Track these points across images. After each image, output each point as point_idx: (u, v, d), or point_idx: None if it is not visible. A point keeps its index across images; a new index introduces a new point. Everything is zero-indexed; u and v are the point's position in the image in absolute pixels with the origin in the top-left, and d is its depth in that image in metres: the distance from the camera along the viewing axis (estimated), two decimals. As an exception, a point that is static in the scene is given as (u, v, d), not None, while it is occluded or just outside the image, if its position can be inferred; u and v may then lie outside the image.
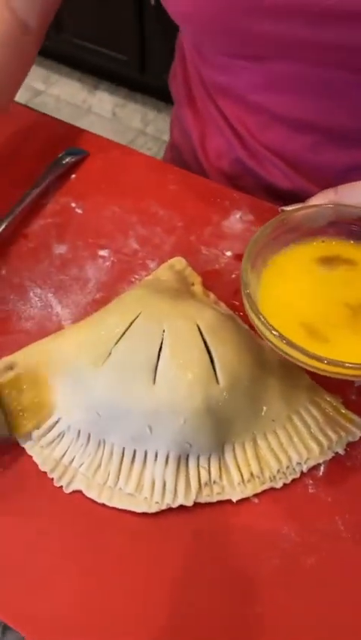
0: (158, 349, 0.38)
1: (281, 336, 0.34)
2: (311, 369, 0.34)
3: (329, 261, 0.40)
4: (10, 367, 0.42)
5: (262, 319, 0.34)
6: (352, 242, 0.40)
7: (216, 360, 0.39)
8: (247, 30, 0.46)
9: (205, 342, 0.39)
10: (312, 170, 0.57)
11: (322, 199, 0.40)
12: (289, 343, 0.33)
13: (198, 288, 0.47)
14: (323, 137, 0.54)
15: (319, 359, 0.33)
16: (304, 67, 0.48)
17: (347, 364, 0.33)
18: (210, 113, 0.60)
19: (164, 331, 0.39)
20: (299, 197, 0.58)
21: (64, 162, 0.56)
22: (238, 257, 0.50)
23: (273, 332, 0.34)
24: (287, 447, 0.39)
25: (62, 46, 1.81)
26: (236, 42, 0.48)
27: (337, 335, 0.36)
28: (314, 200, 0.41)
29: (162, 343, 0.39)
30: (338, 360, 0.33)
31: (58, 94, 1.93)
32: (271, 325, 0.34)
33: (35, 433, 0.39)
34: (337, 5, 0.42)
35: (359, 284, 0.39)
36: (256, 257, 0.38)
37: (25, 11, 0.52)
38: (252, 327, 0.45)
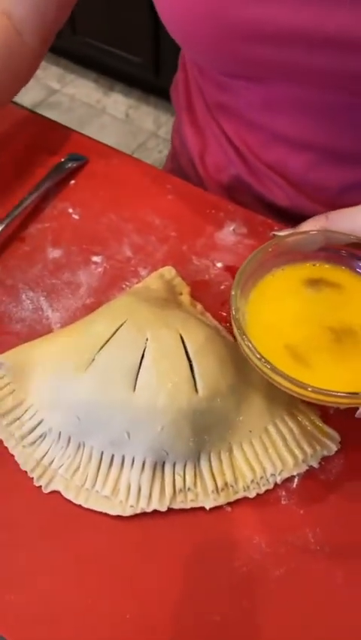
0: (140, 357, 0.39)
1: (267, 362, 0.34)
2: (296, 395, 0.35)
3: (314, 283, 0.41)
4: (-1, 367, 0.43)
5: (249, 344, 0.35)
6: (343, 267, 0.41)
7: (196, 370, 0.39)
8: (247, 54, 0.46)
9: (187, 352, 0.40)
10: (312, 188, 0.58)
11: (313, 225, 0.41)
12: (274, 370, 0.34)
13: (185, 297, 0.48)
14: (323, 156, 0.55)
15: (303, 386, 0.34)
16: (303, 89, 0.49)
17: (331, 393, 0.33)
18: (210, 129, 0.61)
19: (147, 339, 0.40)
20: (298, 214, 0.59)
21: (64, 168, 0.57)
22: (229, 268, 0.51)
23: (258, 357, 0.35)
24: (262, 458, 0.40)
25: (77, 47, 1.83)
26: (235, 64, 0.49)
27: (318, 360, 0.37)
28: (305, 226, 0.41)
29: (144, 351, 0.40)
30: (322, 388, 0.33)
31: (73, 93, 1.95)
32: (257, 350, 0.35)
33: (18, 433, 0.40)
34: (338, 33, 0.42)
35: (344, 308, 0.40)
36: (246, 281, 0.39)
37: (23, 24, 0.52)
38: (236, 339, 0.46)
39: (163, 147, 1.82)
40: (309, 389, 0.34)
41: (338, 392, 0.33)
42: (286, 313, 0.39)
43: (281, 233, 0.40)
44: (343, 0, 0.41)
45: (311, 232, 0.40)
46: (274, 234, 0.41)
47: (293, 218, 0.58)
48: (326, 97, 0.49)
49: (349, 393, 0.33)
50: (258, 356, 0.35)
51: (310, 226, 0.40)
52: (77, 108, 1.92)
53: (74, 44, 1.80)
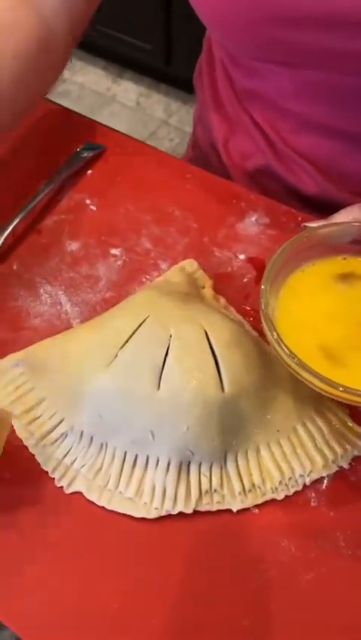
0: (164, 354, 0.38)
1: (297, 360, 0.33)
2: (327, 395, 0.34)
3: (345, 278, 0.39)
4: (17, 364, 0.42)
5: (279, 341, 0.34)
6: None
7: (222, 367, 0.38)
8: (282, 39, 0.45)
9: (212, 349, 0.39)
10: (340, 175, 0.56)
11: (346, 216, 0.40)
12: (305, 367, 0.33)
13: (208, 291, 0.46)
14: (353, 143, 0.53)
15: (334, 385, 0.32)
16: (336, 75, 0.47)
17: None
18: (237, 115, 0.59)
19: (171, 336, 0.38)
20: (324, 202, 0.58)
21: (81, 157, 0.55)
22: (251, 260, 0.50)
23: (289, 355, 0.33)
24: (291, 458, 0.39)
25: (86, 34, 1.80)
26: (269, 49, 0.47)
27: (354, 358, 0.35)
28: (338, 217, 0.40)
29: (168, 348, 0.38)
30: (354, 388, 0.32)
31: (82, 81, 1.93)
32: (289, 349, 0.33)
33: (38, 432, 0.39)
34: None
35: None
36: (276, 275, 0.37)
37: (53, 18, 0.49)
38: (262, 334, 0.45)
39: (175, 135, 1.79)
40: (340, 389, 0.32)
41: None
42: (318, 310, 0.38)
43: (313, 225, 0.39)
44: None
45: (344, 223, 0.38)
46: (305, 225, 0.39)
47: (319, 207, 0.56)
48: (359, 82, 0.47)
49: None
50: (288, 352, 0.33)
51: (343, 217, 0.39)
52: (87, 96, 1.89)
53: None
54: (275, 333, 0.34)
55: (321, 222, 0.39)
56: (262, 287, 0.36)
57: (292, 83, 0.50)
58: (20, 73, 0.46)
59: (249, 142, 0.60)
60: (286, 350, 0.34)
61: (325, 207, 0.54)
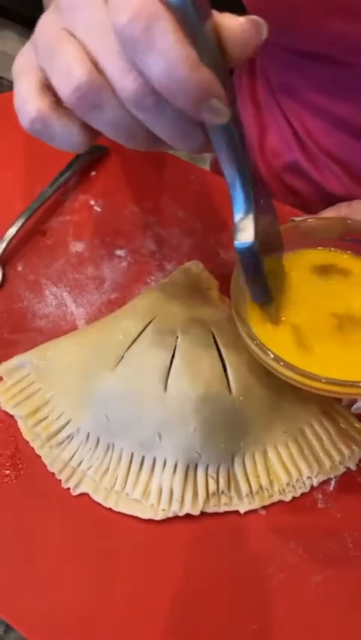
0: (170, 355, 0.38)
1: (275, 356, 0.33)
2: (302, 387, 0.33)
3: (324, 270, 0.39)
4: (23, 365, 0.42)
5: (244, 325, 0.34)
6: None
7: (229, 369, 0.38)
8: (328, 29, 0.44)
9: (219, 350, 0.38)
10: None
11: (334, 212, 0.40)
12: (281, 362, 0.33)
13: (214, 292, 0.46)
14: None
15: (315, 378, 0.32)
16: None
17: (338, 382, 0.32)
18: (271, 111, 0.59)
19: (177, 338, 0.38)
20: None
21: (85, 159, 0.55)
22: (257, 262, 0.49)
23: (255, 342, 0.33)
24: (298, 460, 0.38)
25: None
26: (313, 40, 0.46)
27: (322, 346, 0.35)
28: (326, 213, 0.40)
29: (174, 349, 0.38)
30: (332, 378, 0.32)
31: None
32: (261, 343, 0.33)
33: (44, 434, 0.39)
34: None
35: (349, 295, 0.38)
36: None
37: None
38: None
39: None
40: (323, 380, 0.32)
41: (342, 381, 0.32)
42: (293, 298, 0.37)
43: (299, 219, 0.39)
44: None
45: (330, 219, 0.38)
46: (292, 219, 0.39)
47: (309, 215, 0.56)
48: None
49: (351, 382, 0.32)
50: (256, 342, 0.33)
51: (331, 213, 0.39)
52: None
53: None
54: (246, 328, 0.34)
55: (308, 217, 0.39)
56: (234, 273, 0.35)
57: (330, 77, 0.49)
58: None
59: (280, 139, 0.59)
60: (250, 333, 0.33)
61: None
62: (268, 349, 0.33)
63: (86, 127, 0.27)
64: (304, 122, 0.56)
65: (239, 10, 0.55)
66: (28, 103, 0.26)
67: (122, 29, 0.22)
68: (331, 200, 0.58)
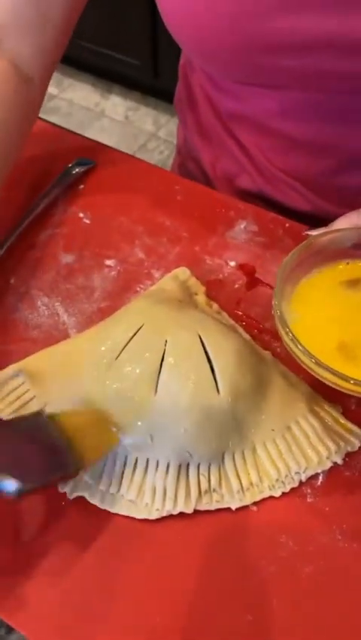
0: (160, 360, 0.39)
1: (318, 362, 0.35)
2: (343, 390, 0.36)
3: (353, 284, 0.41)
4: (17, 374, 0.43)
5: (299, 345, 0.36)
6: None
7: (217, 370, 0.39)
8: (270, 64, 0.46)
9: (206, 353, 0.40)
10: (332, 191, 0.58)
11: (345, 223, 0.41)
12: (320, 364, 0.35)
13: (201, 297, 0.47)
14: (342, 160, 0.55)
15: (347, 379, 0.35)
16: (321, 95, 0.48)
17: None
18: (222, 141, 0.60)
19: (166, 342, 0.40)
20: (319, 218, 0.59)
21: (73, 173, 0.57)
22: (242, 267, 0.51)
23: (303, 351, 0.36)
24: (286, 456, 0.40)
25: (75, 51, 1.82)
26: (256, 74, 0.48)
27: None
28: (338, 224, 0.42)
29: (164, 354, 0.39)
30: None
31: (71, 97, 1.95)
32: (303, 346, 0.36)
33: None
34: None
35: None
36: (285, 283, 0.39)
37: (30, 66, 0.50)
38: (254, 337, 0.46)
39: (164, 148, 1.82)
40: (351, 382, 0.35)
41: None
42: (328, 315, 0.40)
43: (314, 233, 0.41)
44: None
45: (344, 229, 0.40)
46: (307, 234, 0.41)
47: (314, 223, 0.57)
48: (344, 101, 0.48)
49: None
50: (303, 350, 0.36)
51: (342, 224, 0.40)
52: (76, 112, 1.92)
53: (71, 48, 1.80)
54: (290, 334, 0.36)
55: (322, 230, 0.41)
56: (274, 302, 0.38)
57: (279, 104, 0.51)
58: (2, 124, 0.47)
59: (235, 165, 0.61)
60: (301, 348, 0.36)
61: (319, 224, 0.55)
62: (312, 354, 0.36)
63: None
64: (259, 145, 0.57)
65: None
66: None
67: None
68: (297, 216, 0.60)
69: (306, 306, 0.40)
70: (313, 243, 0.41)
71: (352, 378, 0.35)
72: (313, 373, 0.37)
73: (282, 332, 0.37)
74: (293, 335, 0.36)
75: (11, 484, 0.32)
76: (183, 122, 0.66)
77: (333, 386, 0.36)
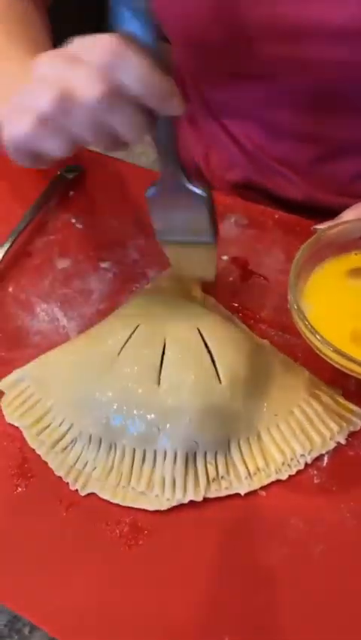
0: (161, 354, 0.40)
1: (336, 349, 0.37)
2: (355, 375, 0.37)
3: (358, 273, 0.43)
4: (22, 379, 0.44)
5: (317, 335, 0.37)
6: None
7: (217, 360, 0.40)
8: (257, 53, 0.47)
9: (206, 344, 0.41)
10: (323, 178, 0.58)
11: (353, 214, 0.43)
12: (341, 353, 0.36)
13: (197, 292, 0.48)
14: (331, 147, 0.56)
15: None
16: (307, 82, 0.49)
17: None
18: (212, 132, 0.61)
19: (166, 336, 0.41)
20: (311, 206, 0.60)
21: (62, 180, 0.58)
22: (235, 260, 0.52)
23: (319, 339, 0.37)
24: (290, 440, 0.41)
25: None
26: (244, 64, 0.49)
27: None
28: (345, 216, 0.43)
29: (164, 348, 0.40)
30: None
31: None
32: (322, 337, 0.37)
33: (49, 441, 0.41)
34: (352, 22, 0.43)
35: None
36: (298, 277, 0.41)
37: None
38: (251, 327, 0.47)
39: (151, 152, 1.83)
40: None
41: None
42: (340, 305, 0.41)
43: (322, 227, 0.42)
44: None
45: (353, 221, 0.41)
46: (315, 228, 0.42)
47: (306, 212, 0.58)
48: (330, 88, 0.49)
49: None
50: (321, 339, 0.37)
51: (350, 215, 0.42)
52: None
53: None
54: (309, 325, 0.37)
55: (329, 223, 0.42)
56: (290, 297, 0.39)
57: (268, 92, 0.52)
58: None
59: (226, 156, 0.62)
60: (319, 338, 0.37)
61: (311, 212, 0.56)
62: (333, 346, 0.37)
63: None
64: (248, 134, 0.58)
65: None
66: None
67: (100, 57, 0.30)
68: (291, 206, 0.61)
69: (319, 298, 0.41)
70: (323, 236, 0.42)
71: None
72: (333, 363, 0.38)
73: (300, 325, 0.38)
74: (312, 326, 0.37)
75: None
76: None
77: (352, 374, 0.37)
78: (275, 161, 0.59)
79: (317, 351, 0.38)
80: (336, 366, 0.38)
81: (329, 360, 0.38)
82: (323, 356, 0.38)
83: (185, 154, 0.67)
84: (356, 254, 0.43)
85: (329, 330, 0.38)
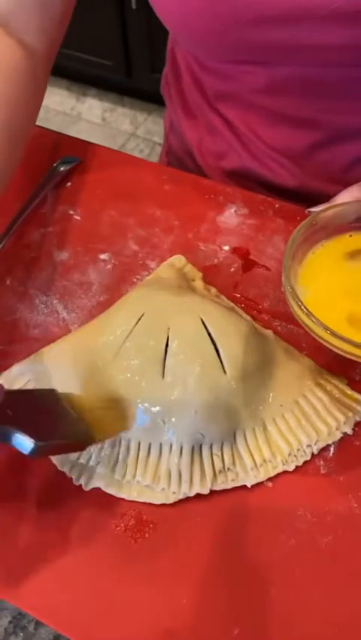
0: (165, 345, 0.39)
1: (330, 331, 0.36)
2: (355, 358, 0.36)
3: (354, 255, 0.42)
4: (23, 373, 0.43)
5: (310, 316, 0.37)
6: None
7: (221, 351, 0.40)
8: (252, 39, 0.46)
9: (210, 335, 0.40)
10: (318, 165, 0.58)
11: (347, 197, 0.42)
12: (337, 335, 0.36)
13: (199, 283, 0.48)
14: (328, 134, 0.55)
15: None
16: (306, 68, 0.49)
17: None
18: (208, 120, 0.61)
19: (169, 327, 0.40)
20: (304, 193, 0.60)
21: (59, 171, 0.57)
22: (236, 250, 0.51)
23: (314, 321, 0.36)
24: (296, 430, 0.40)
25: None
26: (240, 51, 0.49)
27: None
28: (340, 198, 0.42)
29: (168, 339, 0.40)
30: None
31: (46, 103, 1.93)
32: (317, 318, 0.36)
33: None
34: (345, 6, 0.42)
35: None
36: (293, 260, 0.40)
37: (34, 42, 0.51)
38: (254, 317, 0.46)
39: (144, 147, 1.82)
40: None
41: None
42: (335, 287, 0.40)
43: (316, 209, 0.41)
44: None
45: (347, 203, 0.41)
46: (309, 211, 0.41)
47: (300, 199, 0.58)
48: (328, 74, 0.48)
49: None
50: (315, 321, 0.36)
51: (344, 197, 0.41)
52: (53, 118, 1.91)
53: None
54: (303, 307, 0.37)
55: (324, 206, 0.42)
56: (283, 279, 0.38)
57: (266, 79, 0.52)
58: (14, 101, 0.47)
59: (222, 143, 0.61)
60: (315, 320, 0.36)
61: (305, 199, 0.55)
62: (326, 325, 0.36)
63: None
64: (245, 121, 0.58)
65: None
66: None
67: None
68: (285, 193, 0.60)
69: (314, 281, 0.40)
70: (317, 218, 0.41)
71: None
72: (328, 345, 0.37)
73: (295, 307, 0.38)
74: (306, 308, 0.37)
75: (27, 441, 0.33)
76: (169, 105, 0.67)
77: (348, 356, 0.37)
78: (271, 148, 0.58)
79: (313, 335, 0.37)
80: (332, 349, 0.37)
81: (324, 343, 0.37)
82: (318, 339, 0.37)
83: (179, 142, 0.67)
84: (351, 235, 0.43)
85: (326, 314, 0.37)
